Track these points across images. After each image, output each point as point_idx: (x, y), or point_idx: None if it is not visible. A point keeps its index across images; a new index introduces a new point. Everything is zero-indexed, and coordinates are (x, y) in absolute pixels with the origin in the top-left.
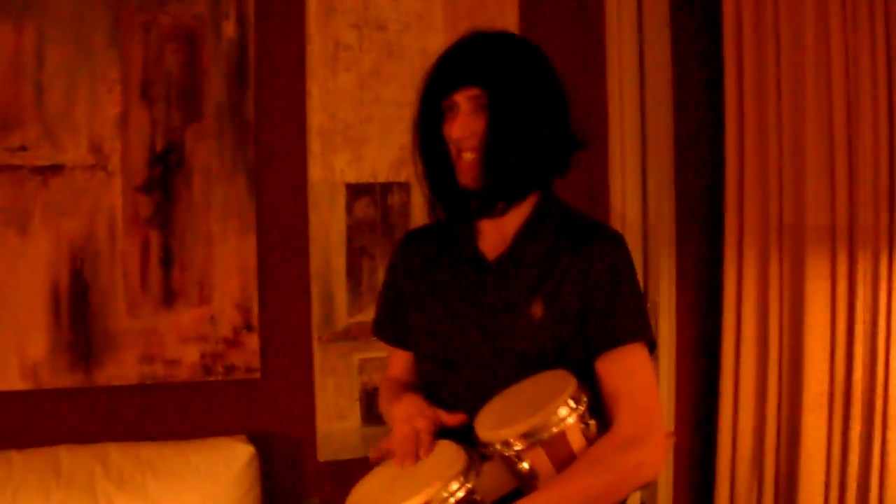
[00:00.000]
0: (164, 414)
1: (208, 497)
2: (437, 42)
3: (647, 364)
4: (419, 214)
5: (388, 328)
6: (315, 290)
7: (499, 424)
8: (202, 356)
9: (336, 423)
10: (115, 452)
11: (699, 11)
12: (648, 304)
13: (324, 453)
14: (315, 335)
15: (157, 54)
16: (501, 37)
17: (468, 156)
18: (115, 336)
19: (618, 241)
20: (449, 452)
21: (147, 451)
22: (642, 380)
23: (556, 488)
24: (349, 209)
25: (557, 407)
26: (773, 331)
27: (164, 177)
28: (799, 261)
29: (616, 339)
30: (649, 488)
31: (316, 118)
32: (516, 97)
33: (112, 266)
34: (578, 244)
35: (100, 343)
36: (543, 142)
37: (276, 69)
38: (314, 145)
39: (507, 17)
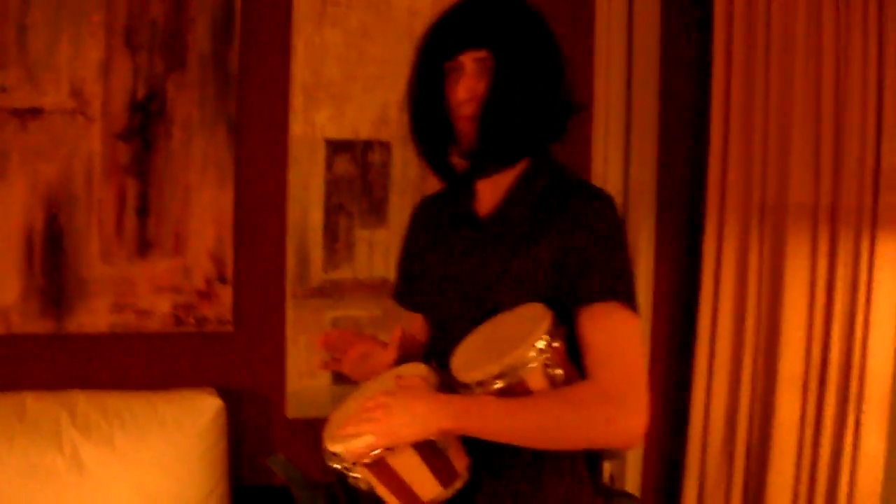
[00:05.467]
0: (134, 364)
1: (174, 448)
2: (424, 2)
3: (628, 325)
4: (399, 173)
5: (404, 294)
6: (291, 245)
7: (468, 364)
8: (174, 307)
9: (306, 381)
10: (83, 400)
11: None
12: None
13: (292, 410)
14: (289, 291)
15: (143, 1)
16: None
17: (466, 116)
18: (88, 284)
19: (605, 200)
20: (423, 372)
21: (115, 400)
22: (622, 340)
23: (520, 401)
24: (329, 165)
25: (528, 349)
26: (750, 309)
27: (143, 125)
28: (780, 239)
29: (591, 296)
30: (619, 460)
31: (300, 73)
32: (521, 61)
33: (88, 213)
34: (564, 202)
35: (72, 290)
36: (541, 106)
37: (262, 22)
38: (297, 100)
39: None
